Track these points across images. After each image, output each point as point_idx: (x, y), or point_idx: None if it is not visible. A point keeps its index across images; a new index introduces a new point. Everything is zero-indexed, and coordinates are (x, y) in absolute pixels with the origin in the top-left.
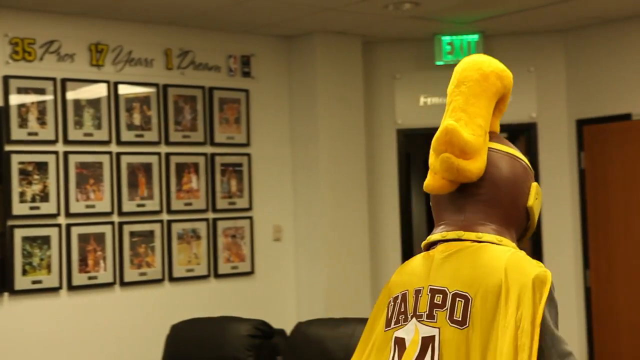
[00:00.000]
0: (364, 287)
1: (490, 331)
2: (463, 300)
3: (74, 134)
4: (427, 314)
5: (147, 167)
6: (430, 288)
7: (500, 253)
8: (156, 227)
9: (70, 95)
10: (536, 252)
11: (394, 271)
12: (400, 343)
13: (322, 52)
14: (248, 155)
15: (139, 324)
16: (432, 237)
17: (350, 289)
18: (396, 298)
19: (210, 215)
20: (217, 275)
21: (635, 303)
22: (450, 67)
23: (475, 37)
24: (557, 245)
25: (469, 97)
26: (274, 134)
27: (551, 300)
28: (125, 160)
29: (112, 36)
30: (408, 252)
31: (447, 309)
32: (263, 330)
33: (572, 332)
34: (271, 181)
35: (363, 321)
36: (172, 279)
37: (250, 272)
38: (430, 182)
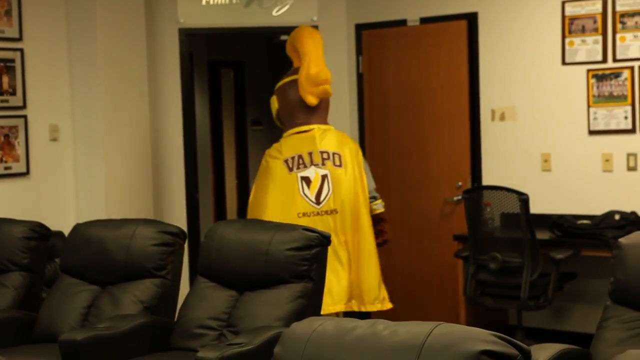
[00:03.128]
0: (145, 188)
1: (353, 169)
2: (338, 155)
3: None
4: (321, 163)
5: None
6: (320, 150)
7: (341, 133)
8: None
9: None
10: None
11: (177, 170)
12: (306, 179)
13: None
14: (21, 50)
15: None
16: (303, 127)
17: (130, 189)
18: (293, 157)
19: None
20: None
21: (404, 193)
22: None
23: None
24: None
25: (318, 48)
26: (49, 29)
27: None
28: None
29: None
30: (191, 151)
31: (331, 159)
32: (39, 232)
33: None
34: (46, 79)
35: (145, 222)
36: None
37: (25, 173)
38: (313, 100)
